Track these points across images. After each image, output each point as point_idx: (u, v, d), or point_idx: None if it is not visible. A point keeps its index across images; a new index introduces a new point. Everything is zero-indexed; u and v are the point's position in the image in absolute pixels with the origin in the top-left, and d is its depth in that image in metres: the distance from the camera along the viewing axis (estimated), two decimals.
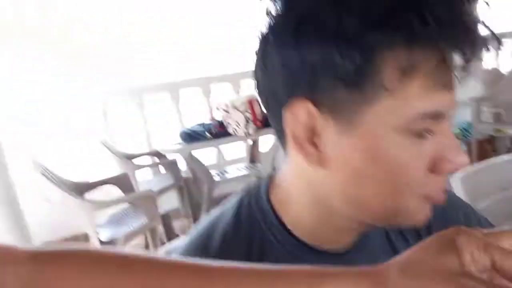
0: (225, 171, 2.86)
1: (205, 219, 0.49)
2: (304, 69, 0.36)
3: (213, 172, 2.82)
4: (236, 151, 3.33)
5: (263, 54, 0.40)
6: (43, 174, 2.20)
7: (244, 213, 0.45)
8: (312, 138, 0.37)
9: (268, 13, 0.38)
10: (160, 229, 2.31)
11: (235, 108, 2.59)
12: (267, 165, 2.67)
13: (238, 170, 2.86)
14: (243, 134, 2.56)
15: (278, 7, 0.37)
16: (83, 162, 3.06)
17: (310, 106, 0.36)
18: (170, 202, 2.78)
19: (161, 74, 3.44)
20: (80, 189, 2.35)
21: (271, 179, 0.47)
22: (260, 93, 0.42)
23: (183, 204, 2.87)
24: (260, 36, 0.39)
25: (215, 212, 0.49)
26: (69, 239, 2.95)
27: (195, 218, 2.79)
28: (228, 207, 0.48)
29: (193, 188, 2.79)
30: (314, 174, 0.39)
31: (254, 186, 0.48)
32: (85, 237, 2.85)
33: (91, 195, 2.39)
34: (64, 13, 3.05)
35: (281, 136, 0.41)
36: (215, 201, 2.82)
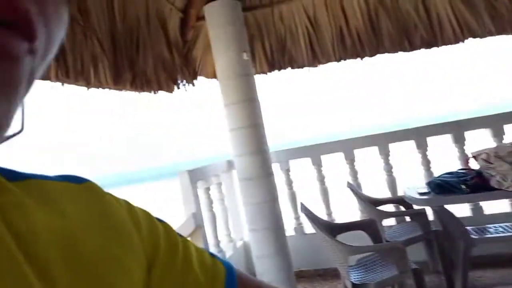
0: (485, 229, 2.50)
1: None
2: None
3: (468, 227, 2.53)
4: (497, 204, 2.86)
5: None
6: (306, 214, 2.60)
7: None
8: None
9: None
10: (410, 283, 2.26)
11: (500, 158, 2.27)
12: None
13: (503, 229, 2.44)
14: (511, 189, 2.20)
15: None
16: (333, 204, 3.43)
17: None
18: (416, 253, 2.68)
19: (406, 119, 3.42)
20: (333, 230, 2.63)
21: None
22: None
23: (433, 259, 2.70)
24: None
25: None
26: (319, 271, 3.33)
27: (448, 277, 2.55)
28: None
29: (444, 244, 2.59)
30: None
31: None
32: (334, 272, 3.14)
33: (341, 236, 2.63)
34: None
35: None
36: (474, 262, 2.50)
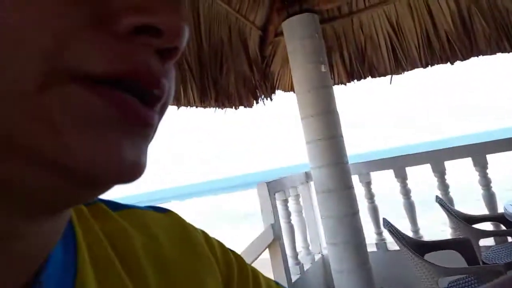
0: None
1: None
2: None
3: None
4: None
5: None
6: (389, 230, 2.47)
7: None
8: None
9: None
10: None
11: None
12: None
13: None
14: None
15: None
16: (420, 220, 3.19)
17: None
18: None
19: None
20: (421, 248, 2.45)
21: None
22: None
23: None
24: None
25: None
26: None
27: None
28: None
29: None
30: None
31: None
32: None
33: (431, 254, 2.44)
34: None
35: None
36: None
